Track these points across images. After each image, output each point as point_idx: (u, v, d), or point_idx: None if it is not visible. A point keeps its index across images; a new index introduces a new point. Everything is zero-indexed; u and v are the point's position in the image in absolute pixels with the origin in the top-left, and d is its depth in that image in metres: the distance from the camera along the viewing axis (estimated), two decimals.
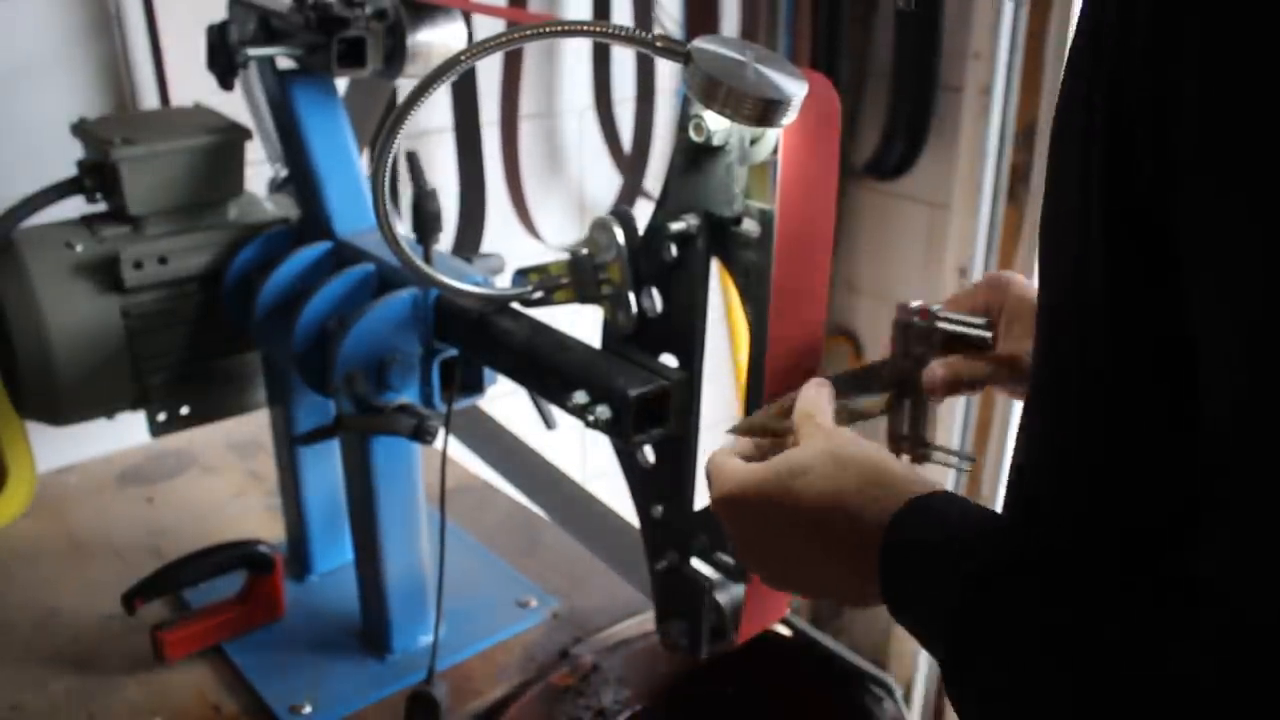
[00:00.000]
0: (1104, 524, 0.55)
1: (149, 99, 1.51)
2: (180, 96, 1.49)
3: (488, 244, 1.91)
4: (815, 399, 0.72)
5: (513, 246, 1.93)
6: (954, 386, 0.76)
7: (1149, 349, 0.49)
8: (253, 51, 1.06)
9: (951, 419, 2.22)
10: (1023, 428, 0.60)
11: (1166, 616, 0.46)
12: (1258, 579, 0.43)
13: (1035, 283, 0.61)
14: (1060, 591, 0.51)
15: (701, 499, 0.85)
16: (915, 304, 0.79)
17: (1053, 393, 0.56)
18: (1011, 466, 0.62)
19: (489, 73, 1.87)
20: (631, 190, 2.07)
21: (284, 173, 1.23)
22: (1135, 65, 0.45)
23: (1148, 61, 0.45)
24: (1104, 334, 0.51)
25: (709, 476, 0.71)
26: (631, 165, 2.07)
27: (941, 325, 0.77)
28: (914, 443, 0.79)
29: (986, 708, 0.53)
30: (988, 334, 0.76)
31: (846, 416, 0.76)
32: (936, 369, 0.76)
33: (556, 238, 2.03)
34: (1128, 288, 0.49)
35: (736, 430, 0.76)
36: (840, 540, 0.63)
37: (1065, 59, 0.52)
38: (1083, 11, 0.50)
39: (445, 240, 1.85)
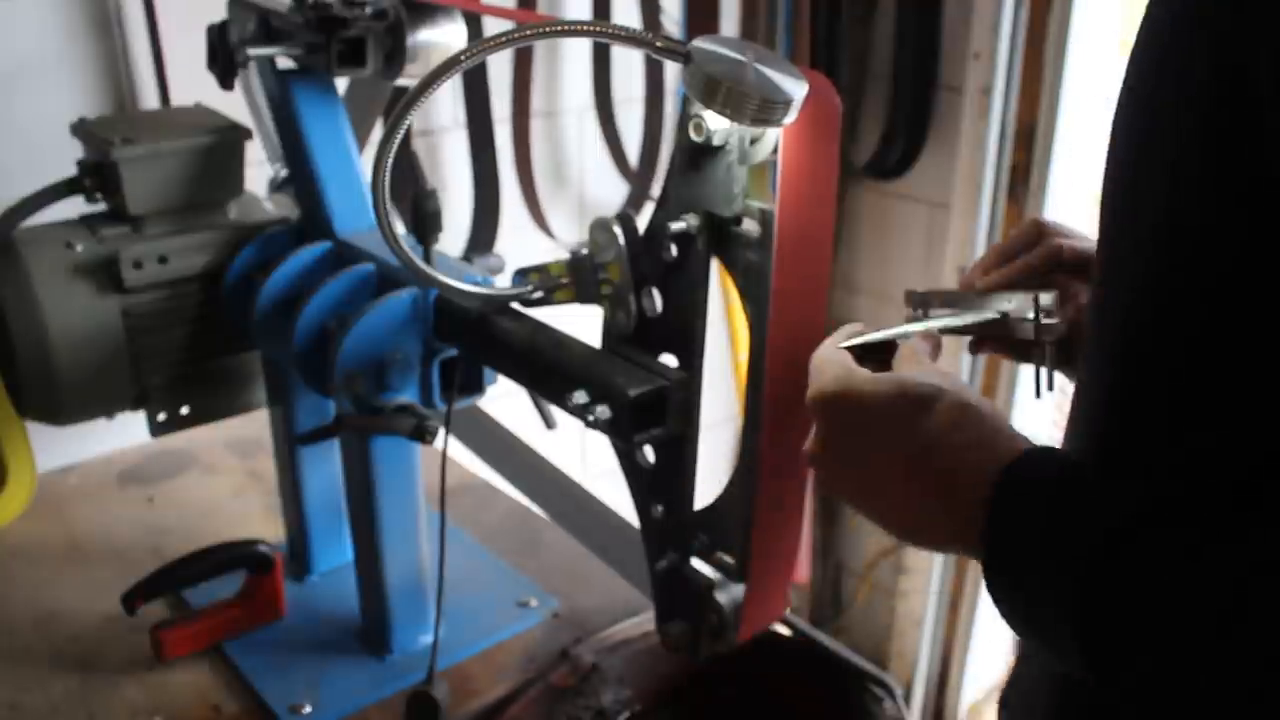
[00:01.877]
0: (1200, 467, 0.55)
1: (149, 99, 1.51)
2: (180, 96, 1.49)
3: (501, 242, 1.91)
4: (918, 350, 0.70)
5: (524, 245, 1.93)
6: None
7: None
8: (253, 51, 1.06)
9: None
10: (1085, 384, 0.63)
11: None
12: None
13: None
14: (1198, 546, 0.51)
15: (702, 499, 0.86)
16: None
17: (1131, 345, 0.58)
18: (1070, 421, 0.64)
19: (496, 70, 1.87)
20: (640, 197, 2.07)
21: (284, 173, 1.23)
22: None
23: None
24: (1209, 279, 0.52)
25: (815, 370, 0.68)
26: (640, 171, 2.07)
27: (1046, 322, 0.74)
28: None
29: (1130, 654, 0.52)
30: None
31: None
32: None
33: (561, 237, 2.03)
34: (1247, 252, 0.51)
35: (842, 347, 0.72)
36: (958, 463, 0.61)
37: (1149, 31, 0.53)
38: None
39: (460, 238, 1.85)
